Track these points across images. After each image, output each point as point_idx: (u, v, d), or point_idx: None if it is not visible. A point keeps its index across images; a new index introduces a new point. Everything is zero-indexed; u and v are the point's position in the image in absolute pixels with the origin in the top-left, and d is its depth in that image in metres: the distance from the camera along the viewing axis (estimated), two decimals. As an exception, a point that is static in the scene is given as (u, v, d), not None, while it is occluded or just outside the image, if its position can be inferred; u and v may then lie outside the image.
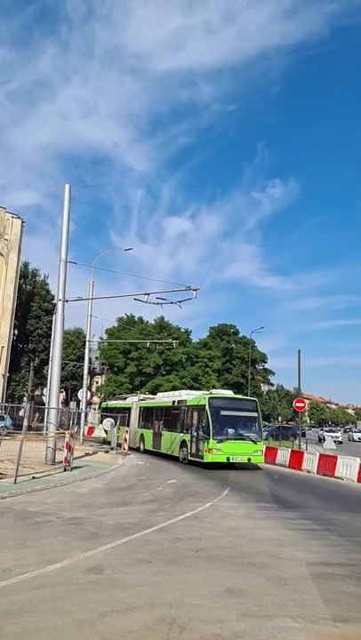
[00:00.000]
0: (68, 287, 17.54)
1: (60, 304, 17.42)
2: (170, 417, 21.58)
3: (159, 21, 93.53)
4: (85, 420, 30.43)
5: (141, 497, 11.11)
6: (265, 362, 67.41)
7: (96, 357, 57.76)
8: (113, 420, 24.34)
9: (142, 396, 27.67)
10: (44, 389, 31.76)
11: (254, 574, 5.65)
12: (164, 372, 53.42)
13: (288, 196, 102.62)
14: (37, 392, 46.99)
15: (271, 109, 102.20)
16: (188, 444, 18.96)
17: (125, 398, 30.32)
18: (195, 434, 18.63)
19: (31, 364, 41.75)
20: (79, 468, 15.42)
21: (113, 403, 31.74)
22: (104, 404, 33.28)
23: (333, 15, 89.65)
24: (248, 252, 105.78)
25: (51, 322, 28.65)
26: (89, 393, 34.78)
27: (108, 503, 10.10)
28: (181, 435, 19.89)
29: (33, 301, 40.36)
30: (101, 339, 54.17)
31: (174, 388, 49.84)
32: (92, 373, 54.04)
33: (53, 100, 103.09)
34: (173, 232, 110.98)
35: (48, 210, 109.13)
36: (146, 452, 23.65)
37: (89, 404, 44.74)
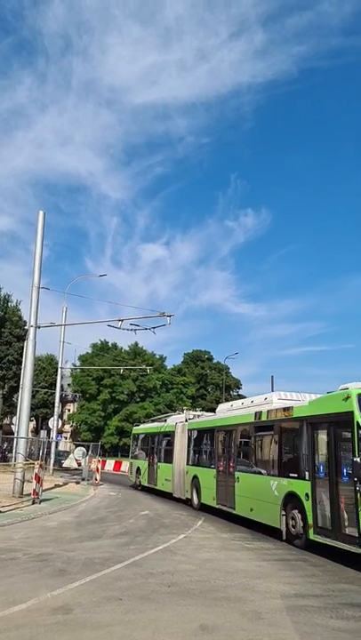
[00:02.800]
0: (40, 313, 17.32)
1: (31, 330, 17.13)
2: (252, 444, 11.90)
3: (134, 57, 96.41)
4: (56, 450, 29.54)
5: (113, 530, 10.77)
6: (239, 388, 67.54)
7: (68, 384, 56.72)
8: (84, 449, 23.73)
9: (191, 413, 18.38)
10: (14, 418, 30.85)
11: (228, 609, 5.50)
12: (138, 399, 52.84)
13: (260, 226, 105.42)
14: (6, 421, 45.58)
15: (243, 143, 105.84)
16: (307, 503, 9.04)
17: (165, 419, 20.95)
18: (325, 479, 8.77)
19: (0, 392, 40.62)
20: (48, 500, 14.90)
21: (146, 427, 22.36)
22: (135, 430, 23.59)
23: (301, 57, 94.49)
24: (222, 279, 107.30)
25: (22, 348, 28.11)
26: (60, 421, 33.81)
27: (78, 537, 9.75)
28: (285, 481, 10.01)
29: (4, 327, 39.60)
30: (74, 365, 53.36)
31: (148, 416, 49.31)
32: (63, 401, 52.97)
33: (29, 128, 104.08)
34: (148, 259, 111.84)
35: (22, 235, 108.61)
36: (204, 507, 14.26)
37: (60, 432, 43.61)
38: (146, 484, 20.03)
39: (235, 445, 12.94)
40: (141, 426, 23.46)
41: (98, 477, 22.19)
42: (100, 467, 22.94)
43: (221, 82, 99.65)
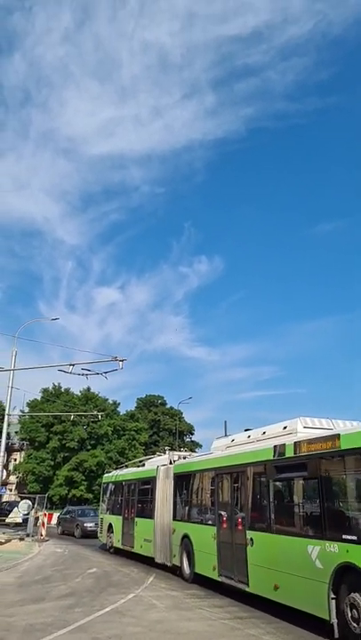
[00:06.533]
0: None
1: (-22, 375, 16.45)
2: (272, 491, 8.86)
3: (92, 111, 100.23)
4: (0, 503, 27.72)
5: (58, 591, 10.10)
6: (192, 433, 66.75)
7: (16, 432, 54.08)
8: (30, 502, 22.41)
9: (176, 453, 15.12)
10: None
11: (178, 675, 5.22)
12: (90, 447, 51.04)
13: (213, 272, 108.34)
14: None
15: (196, 194, 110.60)
16: None
17: (143, 463, 18.07)
18: None
19: None
20: (-12, 559, 13.85)
21: (119, 474, 18.56)
22: (105, 478, 20.18)
23: (248, 118, 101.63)
24: (176, 323, 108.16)
25: (-33, 394, 26.76)
26: (5, 472, 31.93)
27: (20, 600, 9.05)
28: (335, 547, 6.83)
29: None
30: (22, 412, 51.13)
31: (99, 464, 47.45)
32: (10, 450, 50.23)
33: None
34: (103, 302, 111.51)
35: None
36: (200, 579, 11.00)
37: (4, 484, 41.09)
38: (120, 546, 16.31)
39: (244, 493, 9.66)
40: (113, 472, 19.84)
41: (43, 533, 20.90)
42: (46, 521, 21.66)
43: (175, 137, 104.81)
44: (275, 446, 8.78)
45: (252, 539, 8.93)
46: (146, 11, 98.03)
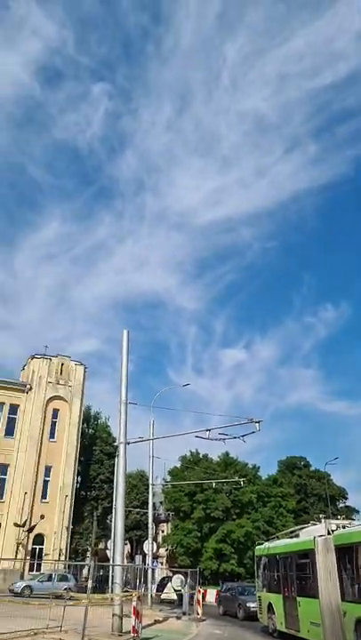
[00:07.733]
0: (128, 428, 17.41)
1: (122, 447, 17.13)
2: None
3: (198, 185, 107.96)
4: (153, 578, 27.47)
5: None
6: (345, 498, 60.61)
7: (160, 502, 54.56)
8: (182, 577, 21.79)
9: (333, 522, 13.76)
10: (108, 542, 29.75)
11: None
12: (235, 516, 49.07)
13: (341, 319, 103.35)
14: (101, 545, 44.06)
15: (309, 242, 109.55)
16: None
17: (296, 533, 16.09)
18: None
19: (94, 514, 39.95)
20: (149, 639, 13.50)
21: (272, 546, 17.48)
22: (258, 550, 19.02)
23: (354, 157, 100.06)
24: (308, 377, 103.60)
25: (113, 466, 28.03)
26: (155, 544, 31.89)
27: None
28: None
29: (95, 445, 40.28)
30: (165, 480, 51.71)
31: (247, 535, 45.08)
32: (156, 521, 50.60)
33: (110, 259, 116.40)
34: (229, 363, 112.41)
35: (107, 354, 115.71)
36: None
37: (155, 557, 41.03)
38: (284, 629, 14.77)
39: None
40: (266, 544, 18.55)
41: (200, 611, 19.99)
42: (201, 598, 20.75)
43: (281, 191, 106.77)
44: None
45: None
46: (238, 84, 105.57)
